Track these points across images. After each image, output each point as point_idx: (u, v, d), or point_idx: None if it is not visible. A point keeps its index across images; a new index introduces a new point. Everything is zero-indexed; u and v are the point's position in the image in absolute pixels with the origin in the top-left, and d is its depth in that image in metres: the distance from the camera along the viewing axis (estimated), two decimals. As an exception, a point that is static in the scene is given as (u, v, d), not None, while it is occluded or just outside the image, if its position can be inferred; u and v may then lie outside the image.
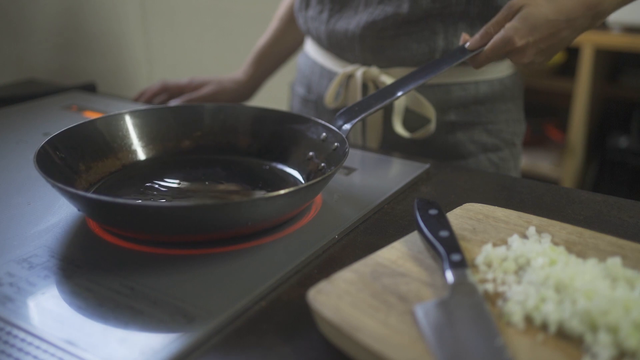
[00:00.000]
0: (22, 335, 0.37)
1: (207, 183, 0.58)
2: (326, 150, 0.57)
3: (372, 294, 0.39)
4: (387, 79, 0.73)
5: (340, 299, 0.38)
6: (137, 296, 0.41)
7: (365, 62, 0.76)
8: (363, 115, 0.59)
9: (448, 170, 0.66)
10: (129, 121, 0.62)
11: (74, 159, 0.56)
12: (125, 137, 0.61)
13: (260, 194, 0.57)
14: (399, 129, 0.75)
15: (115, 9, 1.29)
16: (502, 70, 0.77)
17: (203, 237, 0.48)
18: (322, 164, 0.57)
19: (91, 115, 0.80)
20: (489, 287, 0.39)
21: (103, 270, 0.44)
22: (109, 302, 0.40)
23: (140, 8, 1.34)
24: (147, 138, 0.63)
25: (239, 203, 0.48)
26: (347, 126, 0.58)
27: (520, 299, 0.37)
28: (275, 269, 0.44)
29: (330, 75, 0.82)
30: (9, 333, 0.37)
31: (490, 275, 0.41)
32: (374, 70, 0.74)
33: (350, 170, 0.63)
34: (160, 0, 1.39)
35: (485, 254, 0.42)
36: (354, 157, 0.66)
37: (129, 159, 0.61)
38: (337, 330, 0.36)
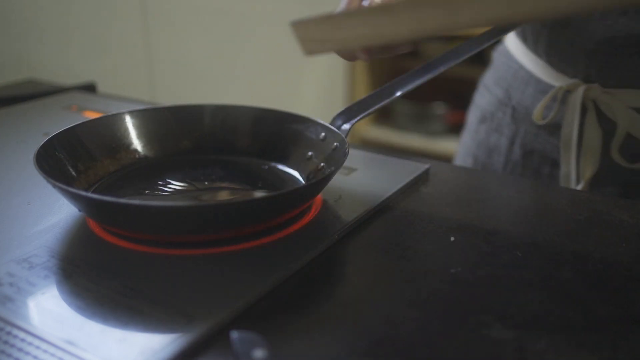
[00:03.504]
0: (22, 335, 0.37)
1: (206, 183, 0.58)
2: (326, 150, 0.57)
3: None
4: (612, 101, 0.66)
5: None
6: (137, 296, 0.41)
7: (587, 79, 0.68)
8: (362, 115, 0.59)
9: (448, 170, 0.66)
10: (128, 121, 0.62)
11: (73, 159, 0.56)
12: (124, 137, 0.61)
13: (260, 194, 0.57)
14: (617, 156, 0.67)
15: (115, 9, 1.29)
16: None
17: (203, 237, 0.48)
18: (322, 164, 0.57)
19: (91, 115, 0.80)
20: None
21: (103, 270, 0.44)
22: (109, 302, 0.40)
23: (140, 8, 1.34)
24: (146, 138, 0.63)
25: (239, 203, 0.48)
26: (346, 126, 0.58)
27: None
28: (275, 269, 0.44)
29: (538, 85, 0.74)
30: (9, 333, 0.37)
31: None
32: (596, 90, 0.67)
33: (350, 170, 0.63)
34: (160, 0, 1.39)
35: None
36: (354, 157, 0.66)
37: (128, 159, 0.61)
38: (332, 22, 0.36)
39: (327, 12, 0.42)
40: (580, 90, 0.68)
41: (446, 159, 0.89)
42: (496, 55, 0.86)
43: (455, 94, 2.20)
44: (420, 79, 0.62)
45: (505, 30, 0.64)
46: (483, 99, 0.86)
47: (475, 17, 0.36)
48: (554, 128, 0.73)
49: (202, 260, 0.45)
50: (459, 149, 0.93)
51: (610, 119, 0.68)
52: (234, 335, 0.37)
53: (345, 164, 0.54)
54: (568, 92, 0.70)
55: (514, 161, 0.78)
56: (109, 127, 0.61)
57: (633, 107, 0.66)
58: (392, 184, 0.59)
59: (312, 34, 0.42)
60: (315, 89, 2.02)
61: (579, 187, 0.70)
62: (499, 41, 0.67)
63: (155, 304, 0.40)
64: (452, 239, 0.50)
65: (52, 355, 0.36)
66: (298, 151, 0.61)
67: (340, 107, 0.61)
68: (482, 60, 2.39)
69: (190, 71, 1.51)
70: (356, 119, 0.59)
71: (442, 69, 0.62)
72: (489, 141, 0.83)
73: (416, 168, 0.64)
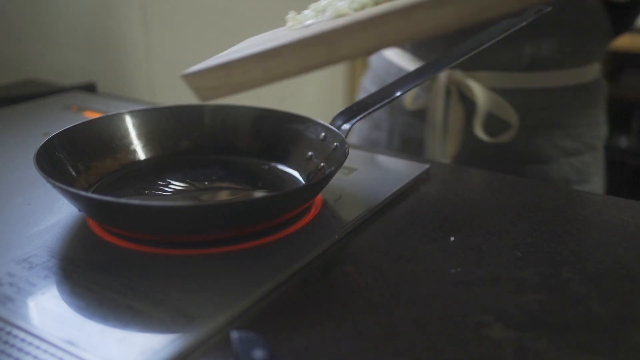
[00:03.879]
0: (22, 335, 0.37)
1: (206, 183, 0.58)
2: (326, 150, 0.57)
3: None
4: (472, 83, 0.72)
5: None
6: (137, 296, 0.41)
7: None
8: (362, 115, 0.59)
9: (448, 170, 0.66)
10: (128, 121, 0.62)
11: (73, 159, 0.56)
12: (124, 137, 0.61)
13: (260, 194, 0.57)
14: (480, 132, 0.74)
15: (115, 8, 1.29)
16: (587, 75, 0.77)
17: (203, 237, 0.48)
18: (322, 164, 0.57)
19: (91, 115, 0.80)
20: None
21: (103, 270, 0.44)
22: (109, 302, 0.40)
23: (140, 8, 1.34)
24: (146, 138, 0.63)
25: (239, 203, 0.48)
26: (346, 126, 0.58)
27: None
28: (275, 269, 0.44)
29: None
30: (9, 333, 0.37)
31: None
32: (457, 74, 0.74)
33: (350, 170, 0.63)
34: (160, 0, 1.39)
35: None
36: (354, 157, 0.66)
37: (128, 159, 0.61)
38: (224, 69, 0.38)
39: (218, 60, 0.44)
40: (443, 76, 0.75)
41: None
42: (372, 59, 0.95)
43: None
44: (420, 79, 0.62)
45: (505, 31, 0.65)
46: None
47: (352, 50, 0.41)
48: (425, 115, 0.81)
49: (202, 260, 0.45)
50: None
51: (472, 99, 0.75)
52: (234, 335, 0.37)
53: (345, 164, 0.54)
54: (433, 79, 0.77)
55: (395, 151, 0.88)
56: (108, 127, 0.61)
57: (491, 88, 0.73)
58: (392, 184, 0.59)
59: (206, 83, 0.44)
60: (315, 89, 2.02)
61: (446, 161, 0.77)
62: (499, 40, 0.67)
63: (155, 304, 0.40)
64: (452, 239, 0.50)
65: (52, 355, 0.36)
66: (298, 151, 0.61)
67: (340, 107, 0.61)
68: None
69: (190, 71, 1.51)
70: (356, 119, 0.59)
71: (442, 69, 0.62)
72: (371, 137, 0.93)
73: (416, 168, 0.64)
